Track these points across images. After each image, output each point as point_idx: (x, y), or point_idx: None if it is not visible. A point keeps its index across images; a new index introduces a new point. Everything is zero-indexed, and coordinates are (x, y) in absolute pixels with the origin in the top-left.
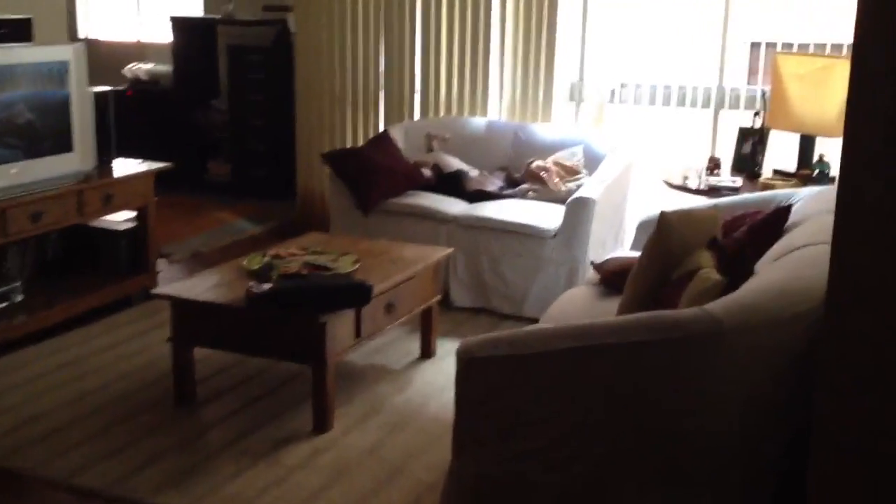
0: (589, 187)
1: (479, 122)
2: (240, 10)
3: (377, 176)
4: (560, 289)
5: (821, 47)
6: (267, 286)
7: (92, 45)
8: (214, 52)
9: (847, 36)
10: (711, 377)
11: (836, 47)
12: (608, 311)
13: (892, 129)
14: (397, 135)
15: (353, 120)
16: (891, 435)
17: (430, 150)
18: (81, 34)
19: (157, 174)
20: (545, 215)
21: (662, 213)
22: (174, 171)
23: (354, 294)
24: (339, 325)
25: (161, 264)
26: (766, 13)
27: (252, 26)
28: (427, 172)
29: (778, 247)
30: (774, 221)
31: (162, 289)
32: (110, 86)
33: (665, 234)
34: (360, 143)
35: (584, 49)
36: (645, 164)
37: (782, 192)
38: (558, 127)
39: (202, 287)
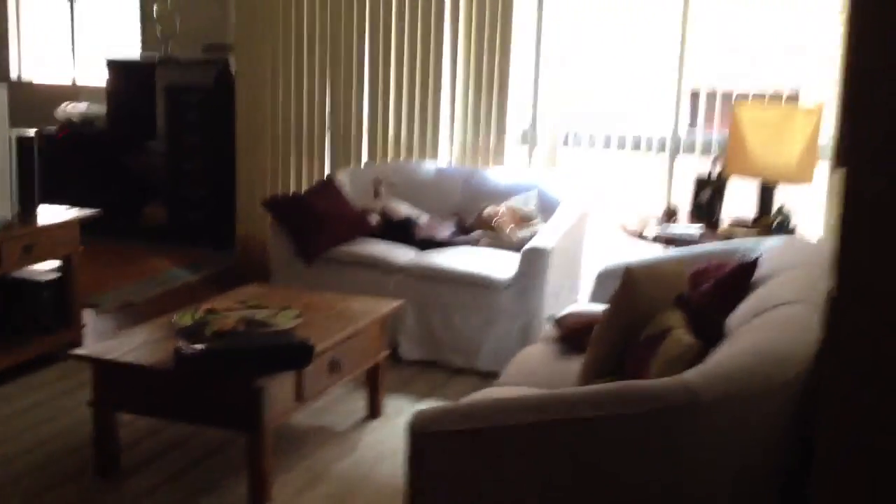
0: (544, 235)
1: (428, 166)
2: (179, 49)
3: (321, 223)
4: (514, 341)
5: (777, 97)
6: (198, 346)
7: (24, 87)
8: (151, 93)
9: (801, 83)
10: (691, 448)
11: (792, 97)
12: (570, 371)
13: (893, 126)
14: (343, 180)
15: (296, 164)
16: (889, 431)
17: (377, 195)
18: (13, 75)
19: (87, 220)
20: (498, 264)
21: (628, 269)
22: (107, 216)
23: (295, 354)
24: (278, 389)
25: (88, 316)
26: (719, 60)
27: (191, 66)
28: (374, 219)
29: (749, 304)
30: (741, 275)
31: (83, 349)
32: (42, 128)
33: (630, 289)
34: (305, 188)
35: (538, 91)
36: (600, 210)
37: (744, 243)
38: (511, 171)
39: (127, 346)
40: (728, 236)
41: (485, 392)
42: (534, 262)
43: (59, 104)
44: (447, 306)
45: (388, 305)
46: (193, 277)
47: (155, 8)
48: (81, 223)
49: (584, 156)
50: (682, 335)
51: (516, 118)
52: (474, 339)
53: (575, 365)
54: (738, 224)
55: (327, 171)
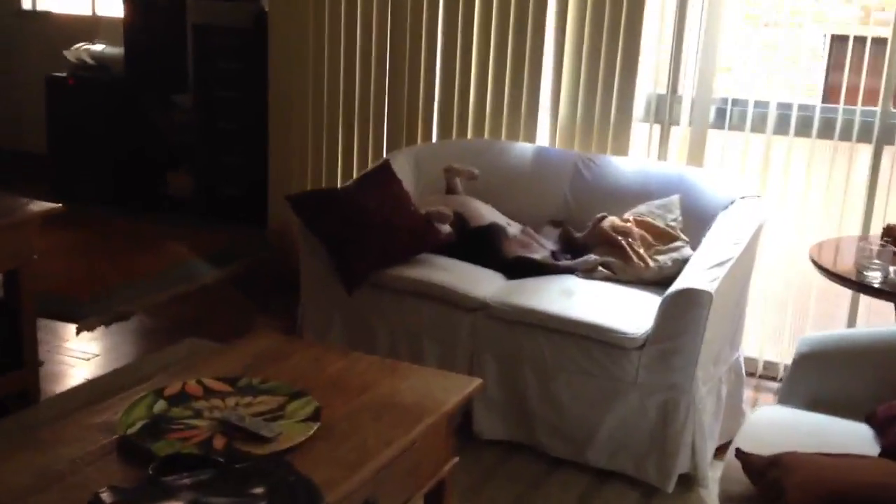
0: (698, 268)
1: (522, 149)
2: None
3: (368, 235)
4: (648, 428)
5: None
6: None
7: (39, 18)
8: (181, 32)
9: None
10: None
11: None
12: None
13: None
14: (403, 166)
15: (345, 138)
16: None
17: (450, 190)
18: (26, 3)
19: (50, 215)
20: (627, 309)
21: None
22: (122, 185)
23: None
24: None
25: (65, 335)
26: None
27: (227, 1)
28: (445, 228)
29: None
30: None
31: None
32: (48, 74)
33: None
34: (354, 166)
35: (681, 46)
36: (774, 227)
37: None
38: (640, 163)
39: (12, 482)
40: None
41: None
42: (685, 312)
43: (77, 40)
44: (547, 368)
45: (461, 388)
46: (216, 275)
47: None
48: (45, 218)
49: (747, 143)
50: None
51: (644, 86)
52: (586, 420)
53: None
54: None
55: (384, 149)
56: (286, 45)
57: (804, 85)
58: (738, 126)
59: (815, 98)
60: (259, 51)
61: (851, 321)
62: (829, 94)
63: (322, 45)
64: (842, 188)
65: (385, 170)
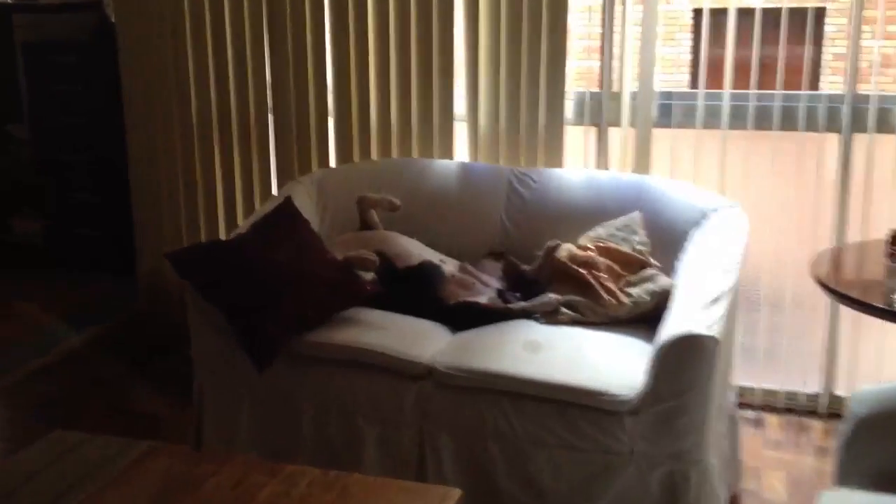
0: (690, 307)
1: (443, 168)
2: None
3: (278, 297)
4: None
5: None
6: None
7: None
8: (8, 52)
9: None
10: None
11: None
12: None
13: None
14: (303, 199)
15: (223, 165)
16: None
17: (365, 225)
18: None
19: None
20: (609, 361)
21: None
22: None
23: None
24: None
25: None
26: None
27: (60, 13)
28: (367, 274)
29: None
30: None
31: None
32: None
33: None
34: (237, 199)
35: (613, 31)
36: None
37: None
38: (586, 175)
39: None
40: None
41: None
42: (687, 364)
43: None
44: (520, 443)
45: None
46: (79, 340)
47: None
48: None
49: (699, 142)
50: None
51: (572, 84)
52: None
53: None
54: None
55: (273, 175)
56: (141, 60)
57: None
58: (684, 123)
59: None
60: (104, 67)
61: (833, 329)
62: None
63: (185, 57)
64: (812, 185)
65: (286, 209)
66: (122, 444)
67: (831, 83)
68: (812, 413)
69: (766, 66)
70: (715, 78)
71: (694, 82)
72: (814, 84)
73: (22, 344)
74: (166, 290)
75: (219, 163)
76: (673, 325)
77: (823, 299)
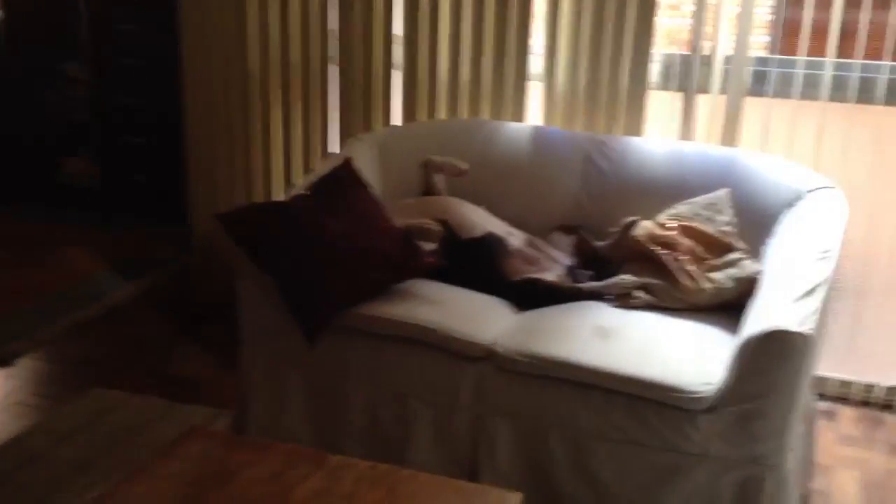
0: (782, 299)
1: (516, 132)
2: None
3: (333, 266)
4: None
5: None
6: None
7: None
8: None
9: None
10: None
11: None
12: None
13: None
14: (365, 160)
15: (284, 118)
16: None
17: (429, 191)
18: None
19: None
20: (686, 352)
21: None
22: (7, 175)
23: None
24: None
25: None
26: None
27: None
28: (428, 245)
29: None
30: None
31: None
32: None
33: None
34: (295, 154)
35: None
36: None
37: None
38: (672, 146)
39: None
40: None
41: None
42: (775, 363)
43: None
44: (583, 436)
45: None
46: (127, 292)
47: None
48: None
49: (793, 115)
50: None
51: (660, 45)
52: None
53: None
54: None
55: (337, 134)
56: (201, 4)
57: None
58: (782, 92)
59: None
60: (167, 8)
61: None
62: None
63: (245, 2)
64: None
65: (346, 171)
66: (161, 408)
67: None
68: (888, 408)
69: (876, 33)
70: (791, 43)
71: (773, 47)
72: None
73: (67, 296)
74: (220, 247)
75: (279, 115)
76: (760, 318)
77: None
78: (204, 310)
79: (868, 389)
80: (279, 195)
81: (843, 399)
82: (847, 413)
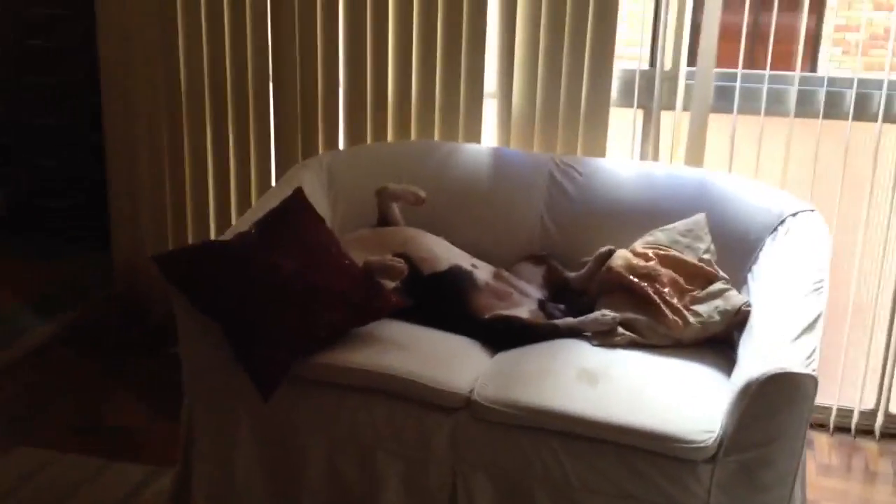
0: (780, 337)
1: (474, 155)
2: None
3: (286, 311)
4: None
5: None
6: None
7: None
8: None
9: None
10: None
11: None
12: None
13: None
14: (312, 187)
15: (216, 139)
16: None
17: (384, 220)
18: None
19: None
20: (680, 396)
21: None
22: None
23: None
24: None
25: None
26: None
27: None
28: (390, 283)
29: None
30: None
31: None
32: None
33: None
34: (233, 180)
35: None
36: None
37: None
38: (642, 168)
39: None
40: None
41: None
42: (781, 408)
43: None
44: (573, 491)
45: None
46: (43, 332)
47: None
48: None
49: (761, 130)
50: None
51: (619, 61)
52: None
53: None
54: None
55: (272, 155)
56: (121, 14)
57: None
58: (748, 108)
59: None
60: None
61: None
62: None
63: (173, 9)
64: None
65: (296, 202)
66: (94, 467)
67: None
68: (864, 433)
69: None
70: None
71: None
72: None
73: None
74: (146, 275)
75: (210, 136)
76: (759, 359)
77: (886, 309)
78: (130, 347)
79: (845, 414)
80: (210, 216)
81: (819, 426)
82: (823, 440)
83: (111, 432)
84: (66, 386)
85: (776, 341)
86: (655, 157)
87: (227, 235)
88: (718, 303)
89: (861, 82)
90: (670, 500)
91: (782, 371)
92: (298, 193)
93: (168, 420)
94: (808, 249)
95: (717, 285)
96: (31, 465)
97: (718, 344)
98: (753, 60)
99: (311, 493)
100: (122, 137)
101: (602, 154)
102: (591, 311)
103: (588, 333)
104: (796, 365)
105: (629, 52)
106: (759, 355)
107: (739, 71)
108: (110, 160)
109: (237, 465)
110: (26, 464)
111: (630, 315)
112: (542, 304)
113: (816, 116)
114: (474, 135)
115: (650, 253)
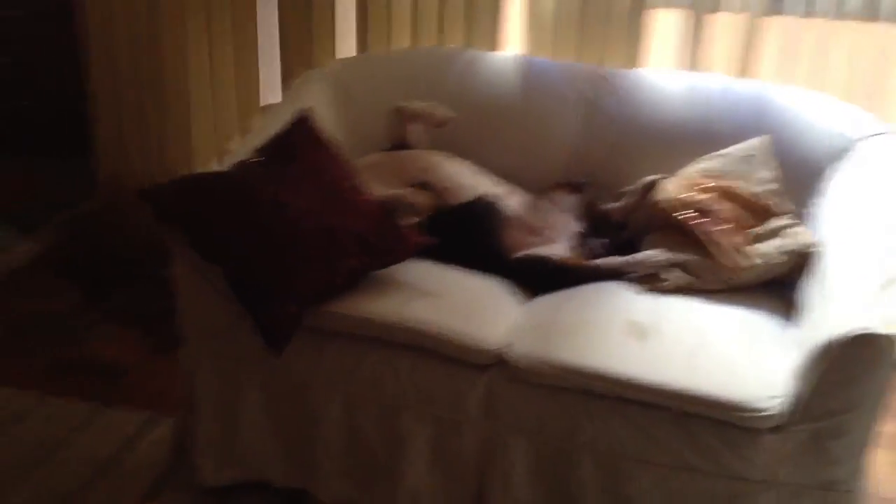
0: (857, 290)
1: (499, 65)
2: None
3: (295, 254)
4: None
5: None
6: None
7: None
8: None
9: None
10: None
11: None
12: None
13: None
14: (320, 103)
15: (208, 40)
16: None
17: (402, 143)
18: None
19: None
20: (740, 354)
21: None
22: None
23: None
24: None
25: None
26: None
27: None
28: (411, 218)
29: None
30: None
31: None
32: None
33: None
34: (230, 92)
35: None
36: None
37: None
38: (694, 80)
39: None
40: None
41: None
42: (860, 373)
43: None
44: (621, 459)
45: None
46: (20, 252)
47: None
48: None
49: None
50: None
51: None
52: None
53: None
54: None
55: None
56: None
57: None
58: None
59: None
60: None
61: None
62: None
63: None
64: None
65: (304, 128)
66: (83, 413)
67: None
68: None
69: None
70: None
71: None
72: None
73: None
74: (130, 189)
75: (200, 39)
76: (840, 317)
77: None
78: (115, 270)
79: None
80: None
81: None
82: None
83: (96, 369)
84: (45, 315)
85: (856, 295)
86: (697, 67)
87: (227, 164)
88: (783, 241)
89: None
90: (730, 473)
91: (867, 332)
92: (307, 118)
93: (158, 355)
94: (881, 183)
95: (779, 220)
96: (10, 410)
97: (773, 285)
98: None
99: (329, 455)
100: (102, 34)
101: (642, 64)
102: (633, 248)
103: (633, 275)
104: (878, 325)
105: None
106: (837, 311)
107: None
108: (94, 65)
109: (245, 420)
110: (4, 409)
111: (686, 257)
112: (581, 239)
113: (887, 20)
114: (491, 40)
115: (708, 184)
